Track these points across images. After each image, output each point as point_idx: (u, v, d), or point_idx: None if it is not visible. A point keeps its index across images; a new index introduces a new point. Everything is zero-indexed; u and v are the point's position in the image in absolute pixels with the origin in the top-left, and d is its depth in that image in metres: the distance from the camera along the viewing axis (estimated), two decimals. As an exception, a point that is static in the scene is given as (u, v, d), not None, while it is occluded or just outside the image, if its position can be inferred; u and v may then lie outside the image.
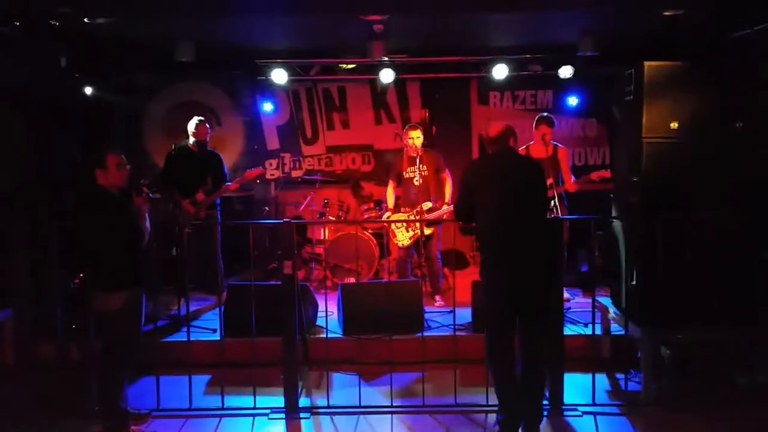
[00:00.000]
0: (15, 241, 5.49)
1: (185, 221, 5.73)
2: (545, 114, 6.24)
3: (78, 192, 4.16)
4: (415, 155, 6.13)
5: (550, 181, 6.04)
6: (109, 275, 3.98)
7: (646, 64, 4.63)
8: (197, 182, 5.99)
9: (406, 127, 6.36)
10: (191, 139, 6.08)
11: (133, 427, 4.12)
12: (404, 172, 6.30)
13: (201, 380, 4.96)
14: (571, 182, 6.22)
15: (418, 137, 6.15)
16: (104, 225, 3.97)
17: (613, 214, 5.36)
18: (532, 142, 6.29)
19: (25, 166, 5.62)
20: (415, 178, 6.10)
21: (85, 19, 4.85)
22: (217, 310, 5.60)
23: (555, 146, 6.24)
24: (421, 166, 6.09)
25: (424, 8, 5.05)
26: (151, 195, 4.12)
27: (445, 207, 6.17)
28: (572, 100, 7.58)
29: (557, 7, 5.12)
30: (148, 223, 4.14)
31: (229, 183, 6.16)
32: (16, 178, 5.52)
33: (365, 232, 7.05)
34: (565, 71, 6.89)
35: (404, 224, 6.24)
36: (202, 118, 6.13)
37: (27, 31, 5.02)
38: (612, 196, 5.58)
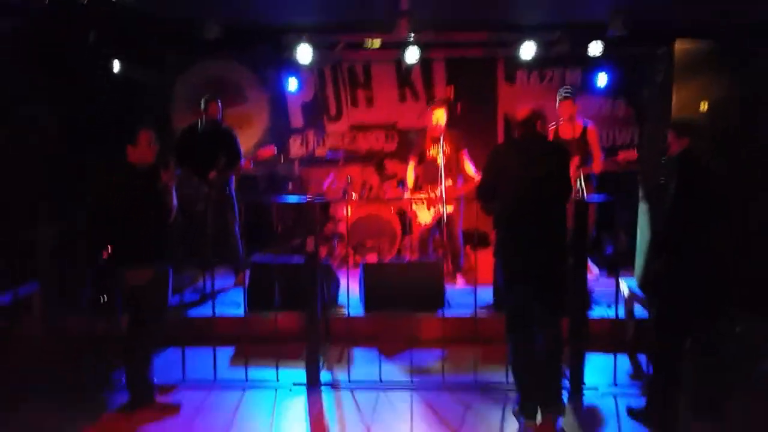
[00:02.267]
0: (42, 215, 5.61)
1: (196, 199, 5.75)
2: (566, 91, 6.14)
3: (107, 168, 4.22)
4: (438, 134, 6.10)
5: (576, 161, 5.98)
6: (137, 251, 4.06)
7: (677, 43, 4.54)
8: (210, 161, 5.91)
9: (430, 105, 6.32)
10: (203, 118, 6.07)
11: (159, 399, 4.24)
12: (427, 151, 6.28)
13: (225, 353, 5.06)
14: (598, 162, 6.12)
15: (442, 116, 6.11)
16: (133, 201, 4.04)
17: (640, 195, 5.29)
18: (562, 121, 6.20)
19: (54, 139, 5.71)
20: (438, 158, 6.07)
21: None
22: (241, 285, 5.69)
23: (584, 126, 6.12)
24: (444, 145, 6.06)
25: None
26: (178, 172, 4.16)
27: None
28: (601, 80, 7.44)
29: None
30: (174, 200, 4.20)
31: (242, 161, 6.13)
32: (45, 152, 5.61)
33: (388, 211, 7.06)
34: (595, 48, 6.72)
35: (425, 203, 6.23)
36: (212, 96, 6.08)
37: (55, 8, 5.07)
38: (639, 177, 5.51)
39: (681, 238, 3.80)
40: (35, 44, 5.56)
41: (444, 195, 5.94)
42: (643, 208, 5.12)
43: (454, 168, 6.18)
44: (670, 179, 3.79)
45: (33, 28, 5.39)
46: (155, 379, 4.27)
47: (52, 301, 5.43)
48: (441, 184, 5.98)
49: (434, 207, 6.20)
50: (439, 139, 6.05)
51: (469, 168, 6.16)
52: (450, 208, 6.16)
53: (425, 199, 6.21)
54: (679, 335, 3.90)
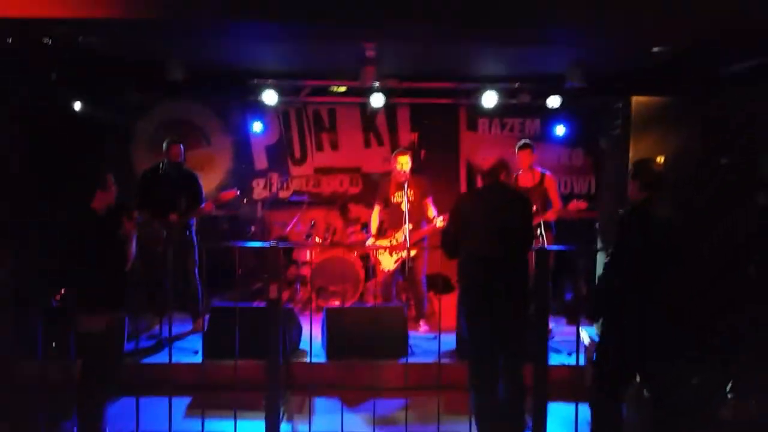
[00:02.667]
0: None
1: (156, 241, 5.67)
2: (525, 141, 6.31)
3: (68, 213, 4.13)
4: (403, 180, 6.16)
5: (534, 208, 6.06)
6: (92, 297, 3.95)
7: (634, 98, 4.72)
8: (171, 203, 5.86)
9: (395, 152, 6.40)
10: (165, 160, 6.04)
11: (111, 451, 4.07)
12: (392, 197, 6.32)
13: (181, 403, 4.90)
14: (555, 209, 6.23)
15: (406, 162, 6.19)
16: (91, 247, 3.95)
17: (598, 245, 5.41)
18: (520, 172, 6.33)
19: (12, 179, 5.57)
20: (403, 203, 6.11)
21: (80, 39, 4.86)
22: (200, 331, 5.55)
23: (542, 174, 6.26)
24: (408, 191, 6.12)
25: (416, 37, 5.10)
26: (140, 220, 4.11)
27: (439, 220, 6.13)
28: (559, 130, 7.65)
29: (546, 42, 5.18)
30: (134, 248, 4.13)
31: (204, 204, 6.09)
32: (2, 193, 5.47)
33: (351, 255, 7.04)
34: (554, 101, 6.94)
35: (387, 249, 6.25)
36: (173, 138, 6.08)
37: (19, 48, 5.01)
38: (597, 226, 5.63)
39: (631, 289, 3.81)
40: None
41: (408, 240, 5.97)
42: (601, 258, 5.24)
43: (418, 214, 6.23)
44: (626, 231, 3.86)
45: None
46: (108, 431, 4.09)
47: (3, 346, 5.21)
48: (405, 229, 6.02)
49: (397, 252, 6.21)
50: (404, 185, 6.11)
51: (432, 214, 6.22)
52: (413, 253, 6.19)
53: (389, 247, 6.23)
54: (622, 387, 3.91)
